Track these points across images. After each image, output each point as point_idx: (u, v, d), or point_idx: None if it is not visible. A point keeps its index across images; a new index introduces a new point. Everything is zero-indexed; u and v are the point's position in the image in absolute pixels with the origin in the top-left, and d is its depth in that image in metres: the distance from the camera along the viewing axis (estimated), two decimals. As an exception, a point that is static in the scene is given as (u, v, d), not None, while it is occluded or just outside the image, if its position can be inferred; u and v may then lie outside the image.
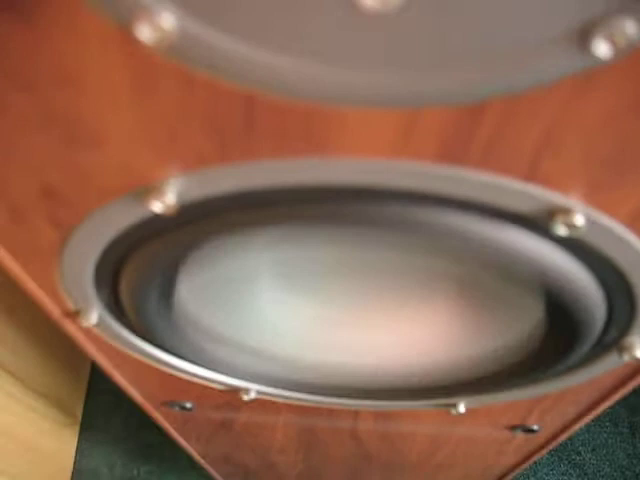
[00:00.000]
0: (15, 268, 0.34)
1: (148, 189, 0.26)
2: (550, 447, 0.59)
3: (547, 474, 1.03)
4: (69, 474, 1.01)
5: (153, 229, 0.30)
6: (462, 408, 0.48)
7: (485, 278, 0.39)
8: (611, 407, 1.08)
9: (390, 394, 0.46)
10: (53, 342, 0.95)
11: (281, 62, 0.20)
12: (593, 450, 1.05)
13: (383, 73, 0.20)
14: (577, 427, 0.53)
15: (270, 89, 0.21)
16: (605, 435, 1.06)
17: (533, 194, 0.25)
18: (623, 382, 0.43)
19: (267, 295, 0.43)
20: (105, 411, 1.07)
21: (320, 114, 0.22)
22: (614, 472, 1.02)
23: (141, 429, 1.06)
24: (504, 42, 0.18)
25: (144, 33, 0.18)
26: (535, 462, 1.04)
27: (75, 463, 1.02)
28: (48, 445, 0.93)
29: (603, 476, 1.02)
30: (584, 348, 0.37)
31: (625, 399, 1.08)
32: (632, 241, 0.27)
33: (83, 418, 1.05)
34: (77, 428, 1.04)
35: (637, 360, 0.37)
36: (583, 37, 0.18)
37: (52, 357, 0.94)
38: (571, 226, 0.26)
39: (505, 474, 0.70)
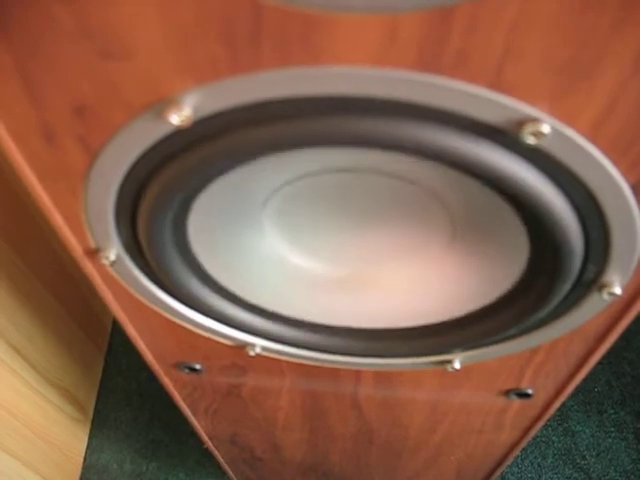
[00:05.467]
0: (44, 197, 0.38)
1: (167, 103, 0.30)
2: (546, 418, 0.60)
3: (552, 478, 1.03)
4: (79, 468, 1.03)
5: (171, 151, 0.33)
6: (457, 364, 0.51)
7: (476, 220, 0.42)
8: (616, 413, 1.09)
9: (389, 345, 0.49)
10: (68, 337, 0.98)
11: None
12: (598, 455, 1.05)
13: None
14: (570, 390, 0.55)
15: (272, -6, 0.25)
16: (610, 440, 1.06)
17: (502, 103, 0.28)
18: (608, 331, 0.46)
19: (269, 249, 0.47)
20: (116, 409, 1.09)
21: (316, 20, 0.26)
22: (619, 477, 1.03)
23: (150, 427, 1.08)
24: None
25: None
26: (540, 466, 1.05)
27: (85, 458, 1.04)
28: (60, 437, 0.95)
29: (608, 480, 1.02)
30: (566, 285, 0.40)
31: (630, 405, 1.09)
32: (594, 153, 0.30)
33: (94, 415, 1.08)
34: (88, 424, 1.06)
35: (616, 296, 0.40)
36: None
37: (67, 352, 0.97)
38: (538, 134, 0.29)
39: (505, 455, 0.71)
